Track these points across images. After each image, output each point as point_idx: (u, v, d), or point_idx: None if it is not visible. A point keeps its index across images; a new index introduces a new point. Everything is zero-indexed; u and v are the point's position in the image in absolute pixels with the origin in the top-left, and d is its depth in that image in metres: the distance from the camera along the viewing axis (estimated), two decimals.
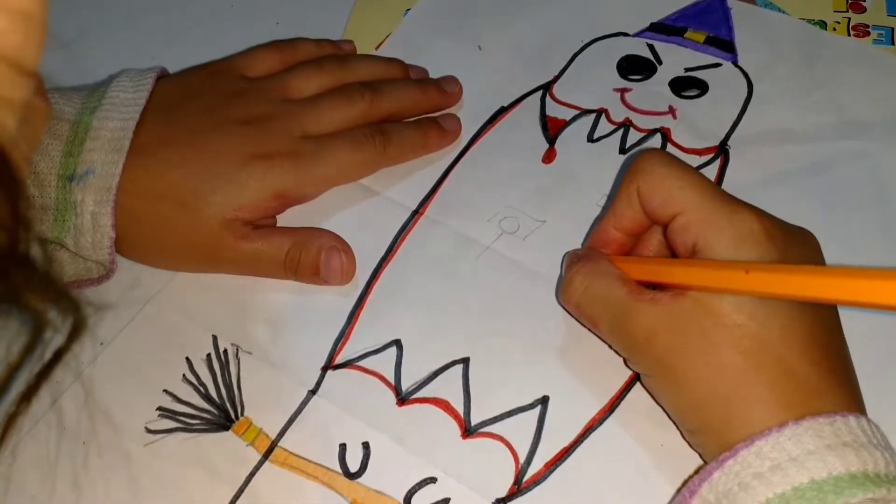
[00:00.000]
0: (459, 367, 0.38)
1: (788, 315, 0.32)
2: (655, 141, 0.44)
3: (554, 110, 0.46)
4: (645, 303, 0.34)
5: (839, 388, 0.32)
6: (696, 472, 0.33)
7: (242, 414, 0.37)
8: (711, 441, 0.32)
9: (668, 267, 0.34)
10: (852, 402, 0.32)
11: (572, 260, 0.38)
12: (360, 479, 0.35)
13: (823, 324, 0.33)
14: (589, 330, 0.38)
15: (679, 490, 0.34)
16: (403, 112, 0.45)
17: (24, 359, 0.21)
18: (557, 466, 0.35)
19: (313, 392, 0.38)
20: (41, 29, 0.19)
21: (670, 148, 0.44)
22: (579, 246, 0.41)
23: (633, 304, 0.34)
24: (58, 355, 0.22)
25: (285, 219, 0.42)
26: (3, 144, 0.18)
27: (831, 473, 0.29)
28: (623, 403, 0.37)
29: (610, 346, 0.37)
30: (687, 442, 0.35)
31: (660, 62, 0.48)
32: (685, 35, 0.49)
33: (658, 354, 0.33)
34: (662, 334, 0.33)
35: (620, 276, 0.36)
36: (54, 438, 0.35)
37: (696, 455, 0.35)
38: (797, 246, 0.34)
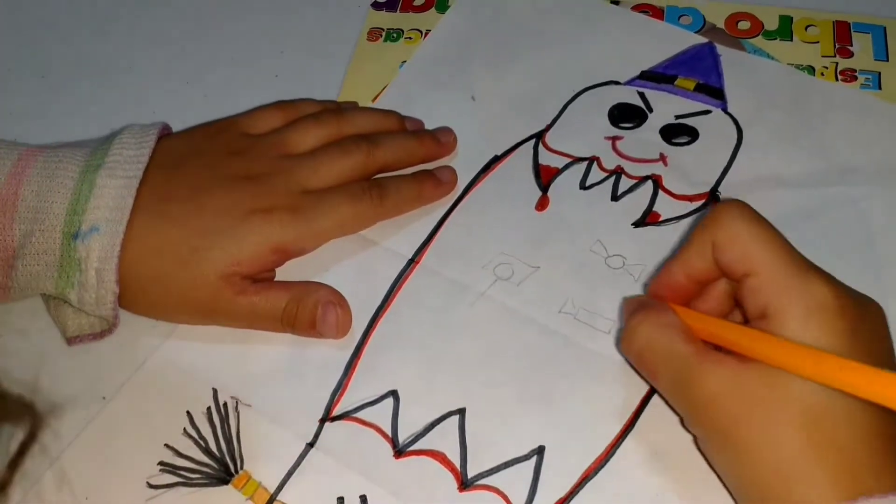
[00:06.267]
0: (455, 419, 0.38)
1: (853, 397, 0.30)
2: (647, 188, 0.45)
3: (546, 158, 0.47)
4: (710, 363, 0.33)
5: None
6: None
7: (242, 467, 0.38)
8: None
9: (735, 335, 0.33)
10: None
11: (634, 307, 0.37)
12: None
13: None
14: (645, 380, 0.37)
15: None
16: (400, 162, 0.46)
17: None
18: None
19: (311, 445, 0.38)
20: None
21: (661, 195, 0.45)
22: (572, 291, 0.42)
23: (697, 364, 0.33)
24: (22, 449, 0.21)
25: (282, 269, 0.43)
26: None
27: None
28: (618, 452, 0.37)
29: (666, 403, 0.37)
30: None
31: (651, 110, 0.48)
32: (675, 82, 0.50)
33: (719, 421, 0.32)
34: (725, 400, 0.32)
35: (686, 331, 0.34)
36: (57, 493, 0.36)
37: None
38: (865, 320, 0.33)
